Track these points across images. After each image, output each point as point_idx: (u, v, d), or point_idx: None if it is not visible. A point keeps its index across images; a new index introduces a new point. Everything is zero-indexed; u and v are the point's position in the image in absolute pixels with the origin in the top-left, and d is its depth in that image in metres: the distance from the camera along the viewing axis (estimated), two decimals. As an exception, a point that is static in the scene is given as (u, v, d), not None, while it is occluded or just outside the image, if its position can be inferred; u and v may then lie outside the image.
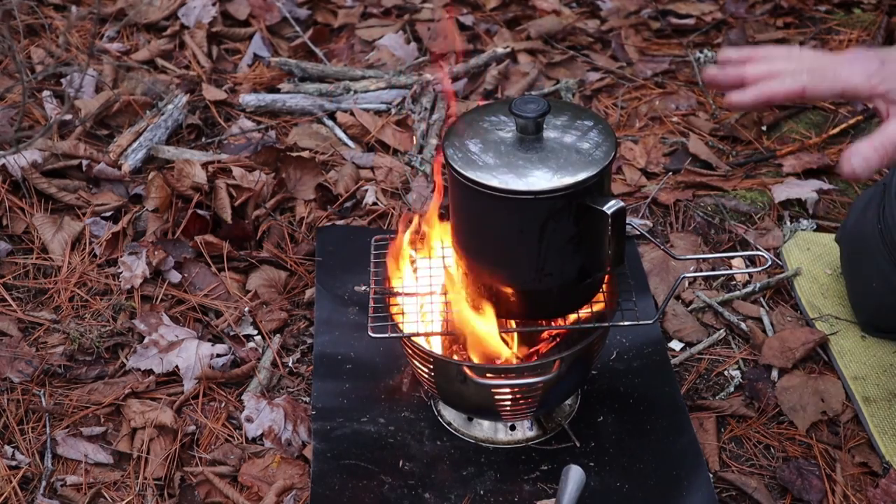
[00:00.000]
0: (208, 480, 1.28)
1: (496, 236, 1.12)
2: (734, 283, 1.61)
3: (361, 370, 1.43)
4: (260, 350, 1.49)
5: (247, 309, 1.53)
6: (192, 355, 1.43)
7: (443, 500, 1.25)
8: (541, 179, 1.05)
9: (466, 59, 2.14)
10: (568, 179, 1.05)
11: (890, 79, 0.98)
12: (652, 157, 1.87)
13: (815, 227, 1.69)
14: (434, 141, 1.90)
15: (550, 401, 1.29)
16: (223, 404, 1.39)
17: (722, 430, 1.37)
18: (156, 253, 1.58)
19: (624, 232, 1.09)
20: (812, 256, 1.62)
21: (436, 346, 1.27)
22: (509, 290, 1.16)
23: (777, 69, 1.03)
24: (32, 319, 1.51)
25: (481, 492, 1.26)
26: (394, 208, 1.74)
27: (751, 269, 1.40)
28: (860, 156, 0.96)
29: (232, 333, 1.51)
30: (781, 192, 1.75)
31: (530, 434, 1.33)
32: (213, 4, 2.24)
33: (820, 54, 1.06)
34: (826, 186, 1.77)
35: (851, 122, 1.93)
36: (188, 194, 1.67)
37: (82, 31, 2.20)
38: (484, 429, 1.33)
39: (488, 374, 1.18)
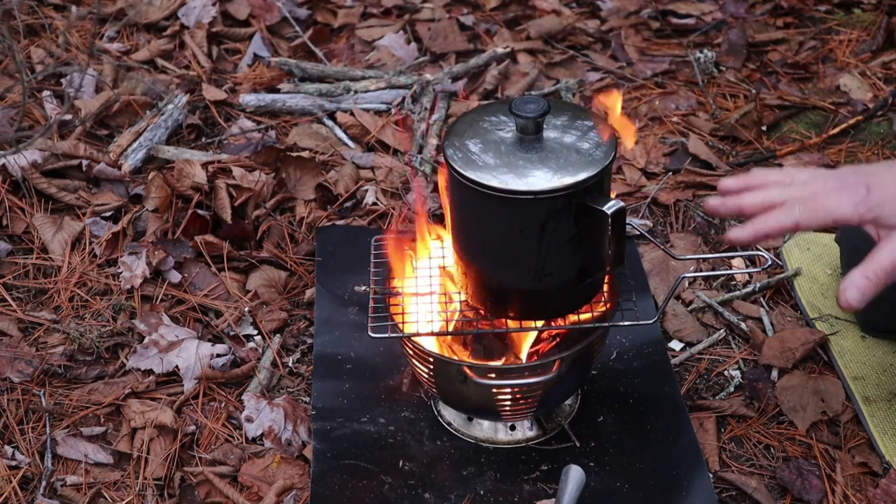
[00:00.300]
0: (208, 480, 1.28)
1: (496, 236, 1.12)
2: (734, 283, 1.62)
3: (361, 370, 1.43)
4: (260, 350, 1.49)
5: (247, 309, 1.53)
6: (192, 355, 1.43)
7: (443, 500, 1.25)
8: (541, 179, 1.05)
9: (466, 59, 2.15)
10: (568, 179, 1.05)
11: (876, 207, 1.02)
12: (652, 157, 1.87)
13: (815, 227, 1.69)
14: (434, 141, 1.90)
15: (550, 401, 1.29)
16: (223, 404, 1.39)
17: (722, 430, 1.37)
18: (156, 253, 1.58)
19: (624, 232, 1.09)
20: (812, 256, 1.62)
21: (436, 346, 1.27)
22: (509, 291, 1.16)
23: (771, 200, 1.07)
24: (32, 319, 1.51)
25: (481, 492, 1.26)
26: (394, 208, 1.74)
27: (751, 269, 1.40)
28: (854, 288, 1.00)
29: (232, 333, 1.51)
30: (781, 192, 1.75)
31: (530, 434, 1.33)
32: (213, 4, 2.24)
33: (812, 176, 1.10)
34: (826, 186, 1.77)
35: (851, 122, 1.93)
36: (188, 194, 1.67)
37: (82, 31, 2.20)
38: (484, 429, 1.33)
39: (488, 375, 1.18)
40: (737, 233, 1.06)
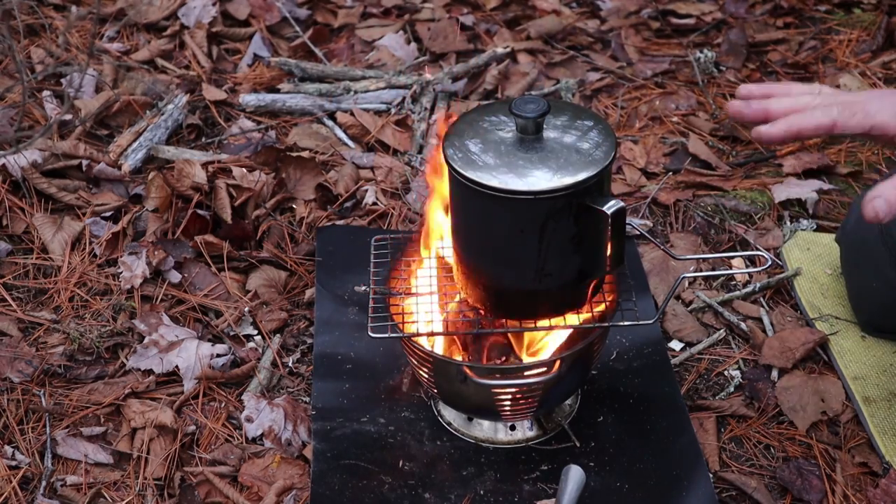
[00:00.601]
0: (208, 480, 1.28)
1: (496, 236, 1.11)
2: (734, 283, 1.62)
3: (361, 370, 1.43)
4: (260, 350, 1.49)
5: (247, 309, 1.53)
6: (192, 355, 1.43)
7: (443, 500, 1.25)
8: (541, 179, 1.05)
9: (466, 59, 2.15)
10: (568, 179, 1.05)
11: None
12: (652, 157, 1.87)
13: (815, 227, 1.69)
14: (434, 141, 1.90)
15: (550, 401, 1.29)
16: (223, 404, 1.39)
17: (722, 430, 1.37)
18: (156, 253, 1.58)
19: (624, 232, 1.09)
20: (812, 256, 1.62)
21: (436, 346, 1.27)
22: (509, 291, 1.16)
23: (803, 103, 1.03)
24: (32, 319, 1.51)
25: (481, 492, 1.26)
26: (394, 208, 1.74)
27: (751, 269, 1.40)
28: (882, 198, 0.95)
29: (232, 333, 1.51)
30: (781, 192, 1.75)
31: (530, 434, 1.33)
32: (213, 4, 2.24)
33: (840, 91, 1.06)
34: (826, 186, 1.77)
35: (851, 122, 1.93)
36: (188, 194, 1.67)
37: (82, 31, 2.20)
38: (484, 429, 1.33)
39: (489, 375, 1.18)
40: (768, 129, 1.00)
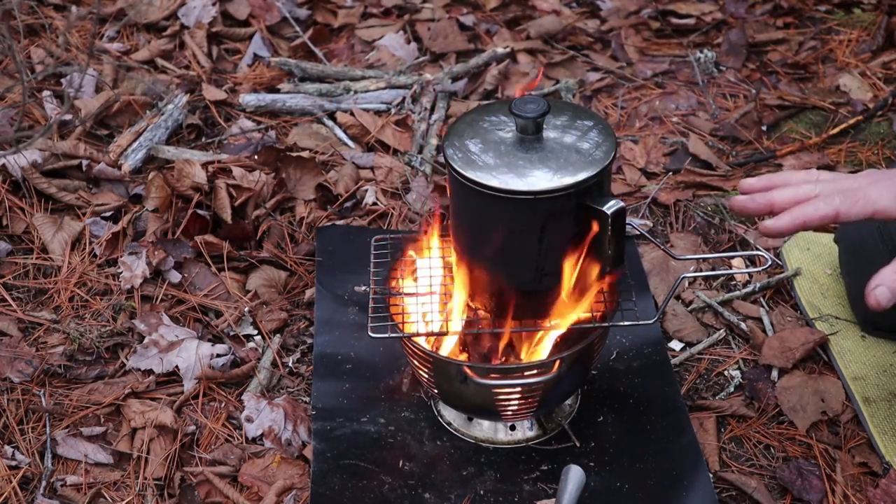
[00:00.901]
0: (208, 480, 1.28)
1: (496, 236, 1.11)
2: (734, 283, 1.62)
3: (361, 370, 1.43)
4: (260, 350, 1.49)
5: (247, 309, 1.53)
6: (192, 355, 1.43)
7: (443, 500, 1.25)
8: (541, 179, 1.05)
9: (466, 59, 2.15)
10: (568, 179, 1.05)
11: None
12: (652, 157, 1.87)
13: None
14: (434, 141, 1.90)
15: (551, 401, 1.29)
16: (223, 404, 1.39)
17: (722, 430, 1.37)
18: (156, 253, 1.58)
19: (624, 232, 1.09)
20: (812, 256, 1.62)
21: (436, 346, 1.27)
22: (508, 290, 1.16)
23: (804, 192, 1.05)
24: (32, 319, 1.51)
25: (481, 492, 1.26)
26: (394, 208, 1.74)
27: (751, 269, 1.40)
28: (885, 287, 0.97)
29: (232, 333, 1.51)
30: (781, 192, 1.75)
31: (530, 434, 1.33)
32: (213, 4, 2.24)
33: (838, 175, 1.09)
34: (826, 186, 1.77)
35: (851, 122, 1.93)
36: (188, 194, 1.67)
37: (82, 31, 2.20)
38: (484, 429, 1.33)
39: (489, 375, 1.18)
40: (773, 223, 1.03)
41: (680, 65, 2.15)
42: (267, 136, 1.91)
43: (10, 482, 1.26)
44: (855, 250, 1.49)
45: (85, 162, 1.75)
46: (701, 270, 1.62)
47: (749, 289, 1.58)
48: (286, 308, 1.56)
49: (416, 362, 1.26)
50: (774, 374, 1.44)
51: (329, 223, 1.70)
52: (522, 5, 2.37)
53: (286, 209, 1.74)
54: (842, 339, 1.47)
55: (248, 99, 2.00)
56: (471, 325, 1.27)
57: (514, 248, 1.11)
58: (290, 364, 1.46)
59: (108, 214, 1.70)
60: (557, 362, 1.17)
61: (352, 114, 1.96)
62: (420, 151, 1.88)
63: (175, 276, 1.58)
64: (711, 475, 1.29)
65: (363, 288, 1.31)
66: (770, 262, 1.25)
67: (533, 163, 1.06)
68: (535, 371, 1.19)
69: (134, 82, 2.00)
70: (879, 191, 1.02)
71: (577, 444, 1.32)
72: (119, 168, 1.77)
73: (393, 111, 1.99)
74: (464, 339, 1.29)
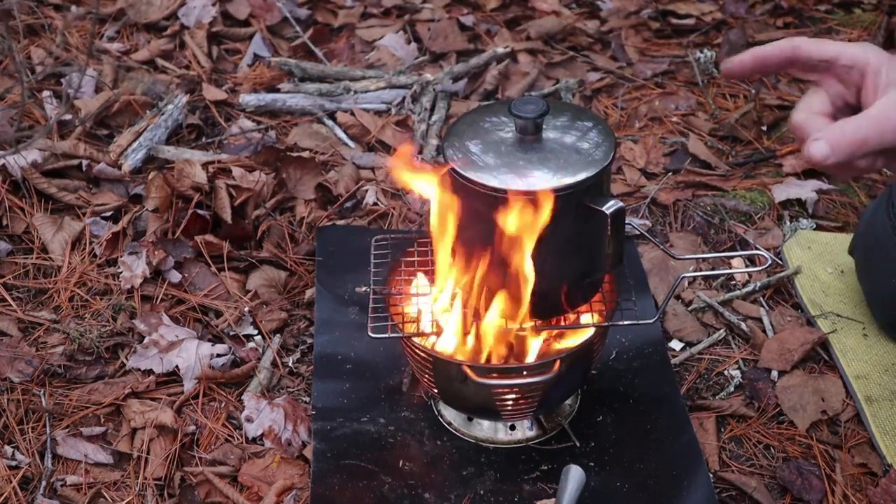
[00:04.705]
0: (208, 480, 1.28)
1: (496, 236, 1.11)
2: (734, 282, 1.62)
3: (361, 370, 1.43)
4: (260, 350, 1.49)
5: (247, 309, 1.53)
6: (192, 355, 1.43)
7: (443, 500, 1.25)
8: (540, 179, 1.05)
9: (466, 59, 2.15)
10: (568, 180, 1.05)
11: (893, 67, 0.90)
12: (652, 157, 1.87)
13: (814, 226, 1.69)
14: (434, 141, 1.90)
15: (551, 400, 1.29)
16: (223, 404, 1.39)
17: (722, 429, 1.37)
18: (156, 253, 1.58)
19: (623, 232, 1.09)
20: (813, 255, 1.62)
21: (436, 345, 1.27)
22: (509, 291, 1.16)
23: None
24: (32, 319, 1.51)
25: (481, 492, 1.26)
26: (394, 208, 1.74)
27: (751, 269, 1.40)
28: (824, 141, 0.85)
29: (232, 333, 1.51)
30: (781, 192, 1.75)
31: (530, 434, 1.33)
32: (213, 4, 2.24)
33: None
34: (826, 186, 1.77)
35: (851, 121, 1.93)
36: (188, 194, 1.67)
37: (82, 31, 2.20)
38: (484, 429, 1.33)
39: (489, 375, 1.18)
40: (729, 62, 0.96)
41: (680, 65, 2.16)
42: (267, 136, 1.91)
43: (10, 482, 1.26)
44: (870, 253, 1.48)
45: (85, 162, 1.76)
46: (701, 270, 1.62)
47: (749, 288, 1.58)
48: (286, 308, 1.56)
49: (416, 362, 1.26)
50: (774, 373, 1.44)
51: (329, 223, 1.70)
52: (522, 5, 2.37)
53: (286, 209, 1.74)
54: (844, 337, 1.47)
55: (248, 99, 2.00)
56: (470, 325, 1.26)
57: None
58: (291, 364, 1.46)
59: (108, 214, 1.70)
60: (557, 362, 1.17)
61: (352, 114, 1.96)
62: (420, 151, 1.88)
63: (175, 276, 1.58)
64: (711, 475, 1.29)
65: (364, 289, 1.31)
66: (770, 262, 1.25)
67: (533, 163, 1.06)
68: (534, 371, 1.19)
69: (134, 82, 2.01)
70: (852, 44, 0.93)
71: (577, 444, 1.32)
72: (119, 168, 1.77)
73: (393, 111, 1.99)
74: (463, 340, 1.29)
